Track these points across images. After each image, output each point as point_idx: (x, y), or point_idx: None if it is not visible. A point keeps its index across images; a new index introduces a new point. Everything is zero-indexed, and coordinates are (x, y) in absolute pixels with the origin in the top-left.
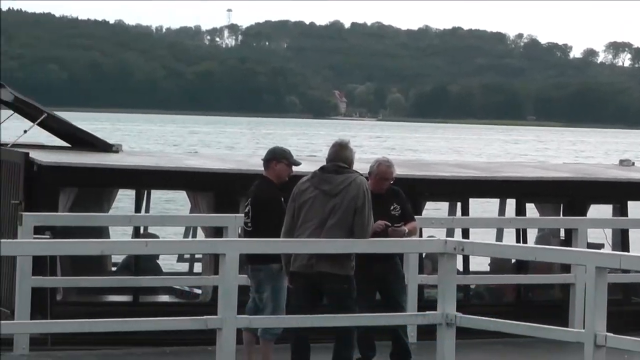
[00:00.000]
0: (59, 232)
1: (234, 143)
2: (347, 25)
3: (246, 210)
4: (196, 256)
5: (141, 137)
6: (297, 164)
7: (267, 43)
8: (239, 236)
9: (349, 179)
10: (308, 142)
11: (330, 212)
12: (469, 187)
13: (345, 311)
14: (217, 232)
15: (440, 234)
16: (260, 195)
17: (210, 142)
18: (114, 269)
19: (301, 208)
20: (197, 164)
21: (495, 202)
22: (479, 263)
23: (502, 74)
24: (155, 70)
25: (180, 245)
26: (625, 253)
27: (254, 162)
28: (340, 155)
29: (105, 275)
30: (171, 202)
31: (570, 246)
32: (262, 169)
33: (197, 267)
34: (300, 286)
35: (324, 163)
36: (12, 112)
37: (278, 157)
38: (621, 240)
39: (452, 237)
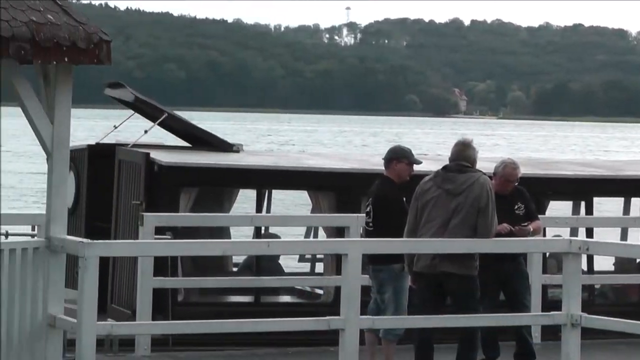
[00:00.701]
0: (179, 232)
1: (354, 142)
2: (466, 22)
3: (367, 209)
4: (317, 256)
5: (261, 137)
6: (418, 162)
7: (386, 41)
8: (361, 236)
9: (472, 178)
10: (429, 140)
11: (454, 212)
12: (593, 185)
13: (469, 311)
14: (338, 232)
15: (564, 233)
16: (381, 195)
17: (330, 141)
18: (234, 269)
19: (424, 207)
20: (318, 163)
21: (620, 201)
22: (603, 263)
23: (623, 70)
24: (274, 69)
25: (302, 246)
26: None
27: (375, 162)
28: (463, 154)
29: (226, 275)
30: (292, 202)
31: None
32: (383, 168)
33: (319, 267)
34: (423, 286)
35: (446, 162)
36: (132, 112)
37: (399, 156)
38: None
39: (576, 236)
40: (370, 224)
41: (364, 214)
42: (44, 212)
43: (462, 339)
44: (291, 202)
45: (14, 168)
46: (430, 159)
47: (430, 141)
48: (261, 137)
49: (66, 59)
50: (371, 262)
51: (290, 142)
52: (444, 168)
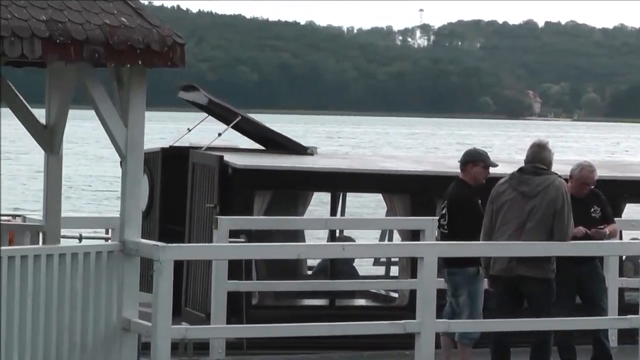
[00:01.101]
0: (253, 235)
1: (425, 144)
2: (540, 24)
3: (442, 212)
4: (392, 259)
5: (329, 139)
6: (494, 165)
7: (459, 43)
8: (435, 239)
9: (547, 181)
10: (504, 143)
11: (529, 214)
12: None
13: (544, 315)
14: (413, 235)
15: None
16: (456, 198)
17: (401, 143)
18: (309, 272)
19: (499, 210)
20: (392, 166)
21: None
22: None
23: None
24: (346, 71)
25: (378, 249)
26: None
27: (451, 164)
28: (538, 156)
29: (300, 279)
30: (365, 204)
31: None
32: (459, 171)
33: (393, 271)
34: (500, 290)
35: (521, 164)
36: (206, 115)
37: (475, 159)
38: None
39: None
40: (446, 227)
41: (439, 217)
42: (117, 215)
43: (534, 342)
44: (363, 204)
45: (85, 171)
46: (504, 161)
47: (500, 143)
48: (330, 139)
49: (140, 62)
50: (446, 265)
51: (361, 144)
52: (520, 170)
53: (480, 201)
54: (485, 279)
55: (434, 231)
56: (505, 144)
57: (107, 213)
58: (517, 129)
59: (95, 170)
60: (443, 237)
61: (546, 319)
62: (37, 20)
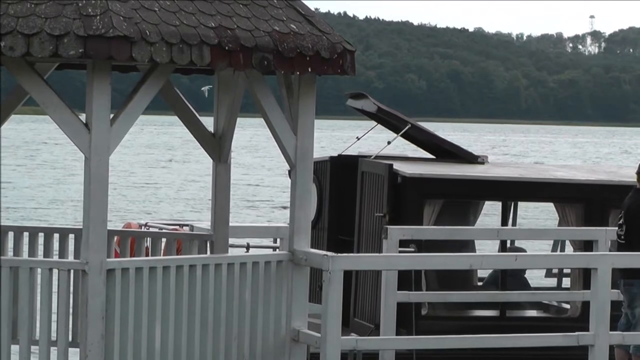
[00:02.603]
0: (422, 245)
1: (600, 154)
2: None
3: (619, 222)
4: (564, 271)
5: (505, 148)
6: None
7: (631, 50)
8: (609, 249)
9: None
10: None
11: None
12: None
13: None
14: (586, 245)
15: None
16: (635, 208)
17: (572, 154)
18: (479, 283)
19: None
20: (565, 175)
21: None
22: None
23: None
24: (517, 79)
25: (550, 259)
26: None
27: (625, 173)
28: None
29: (471, 289)
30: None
31: None
32: (634, 180)
33: (565, 282)
34: None
35: None
36: (375, 123)
37: None
38: None
39: None
40: (622, 237)
41: (615, 227)
42: (285, 224)
43: None
44: (534, 215)
45: (249, 181)
46: None
47: None
48: (494, 148)
49: (310, 69)
50: (623, 276)
51: (524, 153)
52: None
53: None
54: None
55: (607, 242)
56: None
57: (270, 223)
58: None
59: (257, 179)
60: (619, 247)
61: None
62: (206, 27)
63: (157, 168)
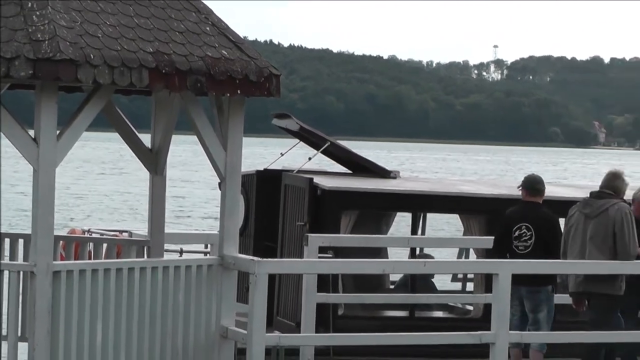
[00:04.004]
0: (339, 251)
1: (496, 171)
2: (606, 60)
3: (519, 233)
4: (468, 276)
5: (415, 164)
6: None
7: (531, 77)
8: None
9: (608, 203)
10: (565, 169)
11: (590, 234)
12: None
13: (607, 326)
14: (488, 253)
15: None
16: (539, 221)
17: (480, 170)
18: (391, 286)
19: (569, 231)
20: (470, 189)
21: None
22: None
23: None
24: (427, 102)
25: (456, 265)
26: None
27: None
28: (609, 183)
29: (384, 292)
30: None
31: None
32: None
33: (469, 286)
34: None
35: (587, 190)
36: (297, 140)
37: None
38: None
39: None
40: (526, 248)
41: (518, 238)
42: (216, 232)
43: (585, 354)
44: (441, 225)
45: (181, 193)
46: (575, 186)
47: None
48: (400, 165)
49: (239, 92)
50: (530, 284)
51: (427, 169)
52: (589, 194)
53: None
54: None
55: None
56: (569, 170)
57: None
58: (578, 156)
59: (183, 191)
60: (520, 257)
61: (613, 332)
62: (145, 52)
63: (97, 179)
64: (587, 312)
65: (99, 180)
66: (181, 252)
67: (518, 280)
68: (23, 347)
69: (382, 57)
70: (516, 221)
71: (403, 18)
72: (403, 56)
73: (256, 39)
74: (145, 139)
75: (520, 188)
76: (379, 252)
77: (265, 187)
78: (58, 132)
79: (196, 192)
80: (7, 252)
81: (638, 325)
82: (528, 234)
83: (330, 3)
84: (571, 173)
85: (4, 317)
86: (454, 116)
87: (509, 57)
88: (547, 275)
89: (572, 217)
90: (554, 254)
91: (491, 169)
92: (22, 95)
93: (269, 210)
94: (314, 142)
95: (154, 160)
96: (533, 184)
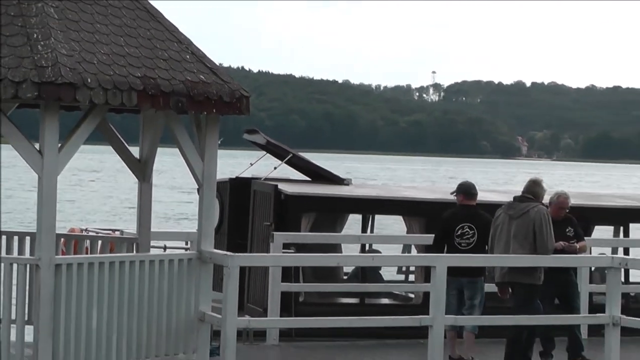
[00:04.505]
0: (300, 247)
1: (441, 178)
2: (528, 84)
3: (462, 232)
4: (411, 268)
5: (364, 173)
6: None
7: (464, 98)
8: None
9: (529, 206)
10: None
11: (514, 233)
12: (630, 214)
13: (528, 312)
14: (427, 249)
15: (607, 252)
16: (481, 223)
17: (415, 178)
18: (345, 277)
19: (496, 230)
20: (411, 194)
21: None
22: (637, 274)
23: None
24: (375, 120)
25: (400, 259)
26: None
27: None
28: (530, 189)
29: (338, 282)
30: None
31: None
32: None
33: (411, 277)
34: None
35: (509, 195)
36: (264, 152)
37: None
38: None
39: (616, 254)
40: (469, 245)
41: (461, 235)
42: (194, 230)
43: (511, 338)
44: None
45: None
46: (500, 191)
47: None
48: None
49: (214, 110)
50: (470, 275)
51: (376, 177)
52: (513, 198)
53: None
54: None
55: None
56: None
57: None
58: (502, 167)
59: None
60: (461, 253)
61: (533, 316)
62: (134, 77)
63: (89, 185)
64: (510, 299)
65: (94, 185)
66: (165, 247)
67: (460, 272)
68: (29, 329)
69: (337, 81)
70: (458, 221)
71: (355, 47)
72: (355, 80)
73: (230, 65)
74: (135, 151)
75: (455, 194)
76: (334, 248)
77: (237, 193)
78: (59, 145)
79: (177, 196)
80: (16, 248)
81: (553, 310)
82: (470, 232)
83: (293, 34)
84: (497, 180)
85: (14, 303)
86: (399, 132)
87: (446, 82)
88: (482, 268)
89: (498, 218)
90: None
91: (428, 177)
92: (28, 113)
93: (240, 212)
94: (278, 154)
95: (142, 169)
96: (469, 189)
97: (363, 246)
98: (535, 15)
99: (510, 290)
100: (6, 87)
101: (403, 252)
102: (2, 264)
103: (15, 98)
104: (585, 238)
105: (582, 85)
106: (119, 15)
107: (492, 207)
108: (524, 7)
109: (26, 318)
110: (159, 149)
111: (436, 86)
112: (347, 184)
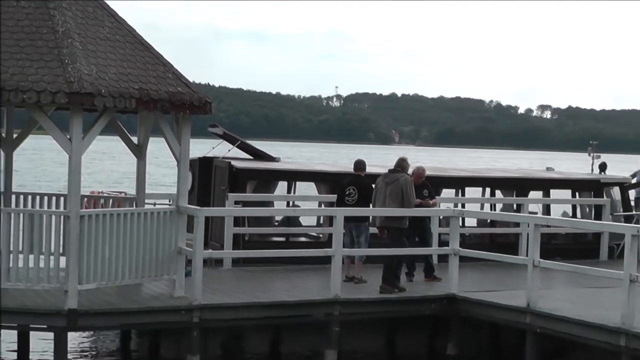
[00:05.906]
0: (246, 204)
1: (342, 158)
2: (399, 94)
3: (349, 192)
4: (321, 218)
5: (289, 154)
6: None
7: (357, 104)
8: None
9: (398, 176)
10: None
11: (388, 194)
12: (465, 181)
13: (397, 247)
14: (331, 204)
15: (451, 206)
16: (361, 186)
17: (324, 158)
18: (276, 223)
19: (377, 192)
20: (321, 168)
21: (479, 190)
22: (469, 221)
23: (480, 121)
24: (297, 118)
25: (313, 211)
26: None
27: (351, 167)
28: (400, 164)
29: (272, 226)
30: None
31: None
32: (355, 171)
33: (320, 222)
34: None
35: (384, 169)
36: (221, 140)
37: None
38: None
39: (457, 207)
40: (352, 201)
41: (347, 195)
42: (174, 192)
43: (386, 263)
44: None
45: (158, 171)
46: (379, 166)
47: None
48: (281, 154)
49: (188, 112)
50: (356, 220)
51: (297, 157)
52: (388, 170)
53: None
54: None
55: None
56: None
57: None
58: (381, 151)
59: (160, 171)
60: (348, 206)
61: (401, 249)
62: (133, 88)
63: (104, 162)
64: (386, 237)
65: (107, 162)
66: (154, 204)
67: (350, 219)
68: (62, 259)
69: (271, 92)
70: (347, 185)
71: (285, 66)
72: (284, 92)
73: (200, 82)
74: (134, 139)
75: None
76: (269, 204)
77: (203, 167)
78: (83, 135)
79: (163, 170)
80: (53, 204)
81: (414, 245)
82: (354, 193)
83: (240, 62)
84: (378, 159)
85: (52, 241)
86: (313, 127)
87: (345, 92)
88: (365, 217)
89: (378, 183)
90: (369, 204)
91: (333, 158)
92: (62, 114)
93: (205, 180)
94: (231, 141)
95: (139, 151)
96: (359, 165)
97: (288, 203)
98: (405, 41)
99: (386, 232)
100: (46, 96)
101: (318, 207)
102: (44, 216)
103: (52, 103)
104: (436, 197)
105: (435, 95)
106: (123, 48)
107: (375, 176)
108: (405, 33)
109: (61, 251)
110: (151, 138)
111: (338, 96)
112: (278, 161)
